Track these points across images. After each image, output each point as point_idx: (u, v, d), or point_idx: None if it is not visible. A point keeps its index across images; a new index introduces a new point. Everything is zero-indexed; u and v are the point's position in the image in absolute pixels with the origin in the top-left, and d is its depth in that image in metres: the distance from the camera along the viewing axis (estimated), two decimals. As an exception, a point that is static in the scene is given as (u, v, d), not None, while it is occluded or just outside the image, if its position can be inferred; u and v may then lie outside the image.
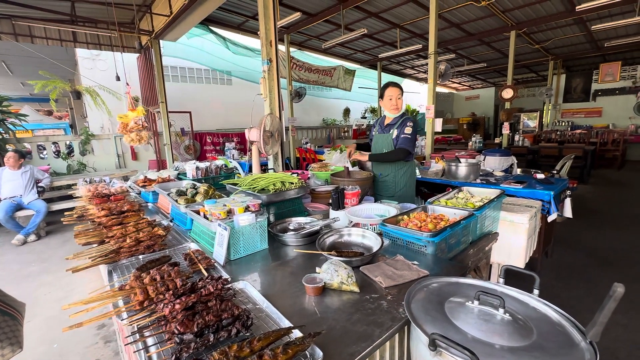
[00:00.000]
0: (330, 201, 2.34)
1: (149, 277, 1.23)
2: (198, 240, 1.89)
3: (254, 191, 2.14)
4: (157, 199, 2.87)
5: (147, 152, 8.25)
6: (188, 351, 0.88)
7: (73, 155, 7.18)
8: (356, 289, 1.26)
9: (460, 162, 3.71)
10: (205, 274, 1.35)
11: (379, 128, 2.95)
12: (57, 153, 7.13)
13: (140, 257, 1.60)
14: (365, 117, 13.76)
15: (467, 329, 0.85)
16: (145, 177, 3.19)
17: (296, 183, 2.23)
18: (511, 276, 1.18)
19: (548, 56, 11.10)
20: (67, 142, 7.42)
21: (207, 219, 1.75)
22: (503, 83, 11.80)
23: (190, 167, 3.41)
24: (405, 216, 1.91)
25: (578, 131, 10.29)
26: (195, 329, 0.95)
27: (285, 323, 1.04)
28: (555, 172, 4.05)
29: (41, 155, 6.96)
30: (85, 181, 3.94)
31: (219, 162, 3.73)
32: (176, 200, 2.16)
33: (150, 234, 1.75)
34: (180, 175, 3.59)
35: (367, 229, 1.83)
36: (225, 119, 10.39)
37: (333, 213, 2.18)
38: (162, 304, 1.05)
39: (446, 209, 2.00)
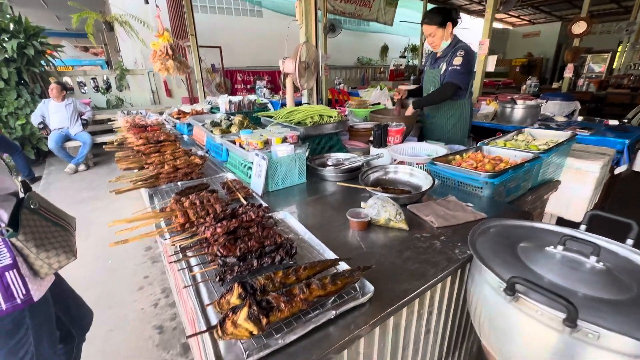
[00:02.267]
0: (371, 138, 2.17)
1: (188, 202, 1.19)
2: (235, 172, 1.84)
3: (291, 124, 2.01)
4: (192, 132, 2.84)
5: (180, 89, 8.23)
6: (232, 274, 0.85)
7: (111, 91, 7.32)
8: (405, 227, 1.15)
9: (516, 104, 3.28)
10: (244, 202, 1.29)
11: (430, 62, 2.58)
12: (97, 88, 7.29)
13: (179, 183, 1.58)
14: (404, 57, 12.59)
15: (548, 276, 0.73)
16: (179, 109, 3.14)
17: (335, 117, 2.06)
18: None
19: (639, -21, 9.06)
20: (104, 77, 7.53)
21: (244, 149, 1.67)
22: (573, 17, 10.03)
23: (223, 101, 3.29)
24: (458, 156, 1.71)
25: (658, 76, 8.79)
26: (238, 253, 0.90)
27: (330, 255, 0.97)
28: (625, 120, 3.52)
29: (82, 90, 7.16)
30: (123, 113, 4.00)
31: (252, 96, 3.58)
32: (211, 131, 2.09)
33: (187, 162, 1.71)
34: (213, 110, 3.52)
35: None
36: (256, 55, 9.91)
37: (374, 151, 2.02)
38: (203, 227, 1.01)
39: (505, 151, 1.77)
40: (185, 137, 2.82)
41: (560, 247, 0.78)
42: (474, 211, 1.26)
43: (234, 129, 2.08)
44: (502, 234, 0.92)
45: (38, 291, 0.99)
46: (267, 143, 1.65)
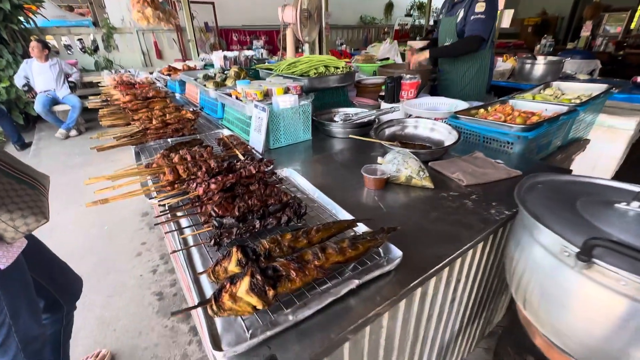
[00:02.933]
0: (383, 93, 1.96)
1: (178, 157, 1.02)
2: (232, 129, 1.65)
3: (294, 76, 1.79)
4: (184, 89, 2.60)
5: (172, 51, 7.74)
6: (230, 237, 0.70)
7: (98, 52, 6.87)
8: (430, 185, 1.00)
9: (536, 60, 3.01)
10: (242, 158, 1.13)
11: (446, 8, 2.28)
12: (83, 49, 6.84)
13: (169, 140, 1.40)
14: (410, 15, 11.81)
15: (625, 237, 0.58)
16: (170, 66, 2.87)
17: (343, 68, 1.83)
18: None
19: None
20: (91, 37, 7.04)
21: (241, 101, 1.47)
22: (595, -32, 9.24)
23: (218, 57, 3.01)
24: (482, 110, 1.52)
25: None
26: (237, 213, 0.75)
27: (345, 215, 0.83)
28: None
29: (68, 51, 6.72)
30: (110, 72, 3.72)
31: (249, 52, 3.29)
32: (204, 85, 1.87)
33: (178, 118, 1.52)
34: (207, 67, 3.24)
35: (433, 122, 1.48)
36: (253, 13, 9.24)
37: (386, 107, 1.82)
38: (194, 184, 0.85)
39: (534, 104, 1.58)
40: (178, 95, 2.60)
41: (636, 204, 0.63)
42: (507, 168, 1.10)
43: (229, 82, 1.86)
44: (554, 190, 0.76)
45: (4, 257, 0.86)
46: (267, 95, 1.45)
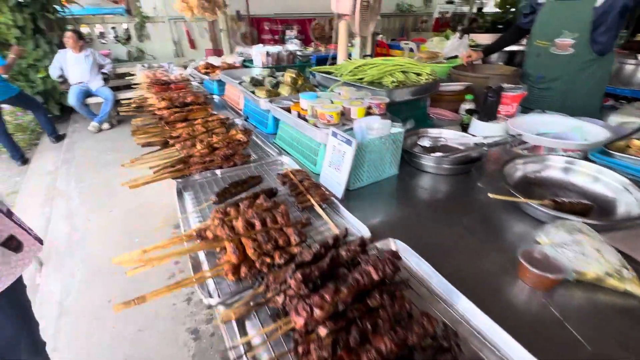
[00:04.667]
0: (466, 106, 1.58)
1: (241, 220, 0.71)
2: (287, 150, 1.33)
3: (362, 84, 1.43)
4: (223, 91, 2.31)
5: (203, 40, 7.54)
6: None
7: (131, 41, 6.77)
8: (638, 291, 0.63)
9: (640, 60, 2.47)
10: (335, 229, 0.80)
11: None
12: (116, 38, 6.77)
13: (218, 172, 1.10)
14: (452, 2, 10.94)
15: None
16: (207, 62, 2.58)
17: (425, 75, 1.45)
18: None
19: None
20: (125, 26, 6.95)
21: (306, 121, 1.14)
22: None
23: (259, 53, 2.69)
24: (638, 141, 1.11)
25: None
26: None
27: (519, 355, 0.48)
28: None
29: (102, 41, 6.66)
30: (144, 66, 3.50)
31: (292, 47, 2.95)
32: (253, 92, 1.55)
33: (226, 139, 1.22)
34: (247, 63, 2.94)
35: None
36: (284, 2, 8.83)
37: (478, 125, 1.43)
38: (279, 288, 0.53)
39: None
40: (216, 97, 2.30)
41: None
42: None
43: (283, 90, 1.53)
44: None
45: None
46: (342, 114, 1.11)
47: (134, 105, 1.87)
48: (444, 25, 10.48)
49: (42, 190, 3.37)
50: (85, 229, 2.57)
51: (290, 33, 7.61)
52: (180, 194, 1.01)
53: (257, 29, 8.19)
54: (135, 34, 6.69)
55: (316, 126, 1.08)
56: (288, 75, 1.52)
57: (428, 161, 1.11)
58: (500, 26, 6.89)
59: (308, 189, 0.93)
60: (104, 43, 6.60)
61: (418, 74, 1.47)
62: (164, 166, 1.08)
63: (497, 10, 10.63)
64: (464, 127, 1.64)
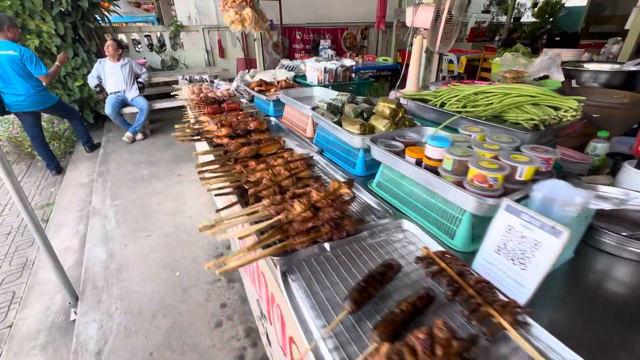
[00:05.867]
0: (600, 143, 1.25)
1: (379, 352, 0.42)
2: (391, 203, 1.04)
3: (481, 119, 1.13)
4: (280, 112, 2.06)
5: (234, 49, 7.44)
6: None
7: (165, 49, 6.75)
8: None
9: None
10: (529, 349, 0.50)
11: None
12: (150, 47, 6.77)
13: (327, 246, 0.82)
14: (488, 12, 10.52)
15: None
16: (261, 80, 2.34)
17: (571, 111, 1.13)
18: None
19: None
20: (158, 34, 6.96)
21: (437, 173, 0.85)
22: None
23: (314, 68, 2.44)
24: None
25: None
26: None
27: None
28: None
29: (137, 49, 6.66)
30: (186, 79, 3.33)
31: (348, 61, 2.69)
32: (338, 123, 1.27)
33: (328, 194, 0.93)
34: (299, 79, 2.69)
35: None
36: (316, 11, 8.67)
37: (630, 175, 1.09)
38: None
39: None
40: (273, 120, 2.05)
41: None
42: None
43: (379, 124, 1.24)
44: None
45: None
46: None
47: (189, 130, 1.64)
48: (480, 35, 10.07)
49: (76, 204, 3.23)
50: (122, 257, 2.36)
51: (324, 43, 7.40)
52: (285, 278, 0.74)
53: (289, 38, 8.06)
54: (169, 43, 6.65)
55: (463, 187, 0.79)
56: (385, 105, 1.23)
57: (626, 244, 0.78)
58: (553, 38, 6.42)
59: (480, 293, 0.63)
60: (138, 51, 6.60)
61: (556, 108, 1.15)
62: (258, 230, 0.80)
63: (535, 19, 10.10)
64: (594, 172, 1.32)
